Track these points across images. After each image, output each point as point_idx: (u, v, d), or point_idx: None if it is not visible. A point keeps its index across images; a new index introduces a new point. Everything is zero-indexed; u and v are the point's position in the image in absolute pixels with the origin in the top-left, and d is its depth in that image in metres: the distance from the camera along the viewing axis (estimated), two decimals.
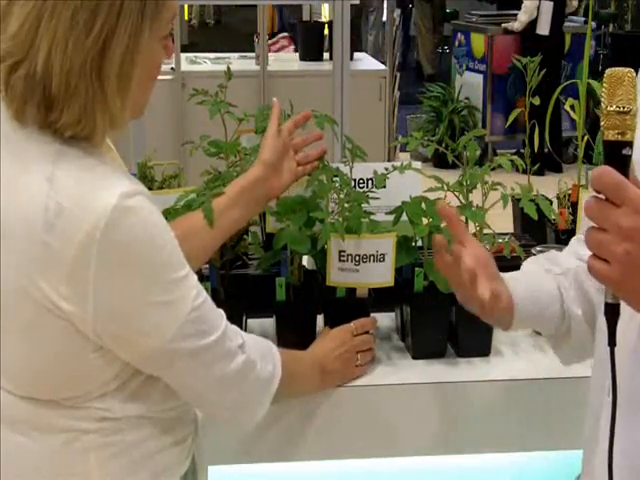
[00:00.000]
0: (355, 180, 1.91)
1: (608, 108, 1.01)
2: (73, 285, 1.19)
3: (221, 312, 1.35)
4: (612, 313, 1.05)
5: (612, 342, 1.06)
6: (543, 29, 7.36)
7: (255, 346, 1.41)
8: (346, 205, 1.76)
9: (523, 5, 7.63)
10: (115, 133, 1.32)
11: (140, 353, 1.27)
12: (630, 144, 1.00)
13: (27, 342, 1.23)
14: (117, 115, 1.23)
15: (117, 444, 1.30)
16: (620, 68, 1.02)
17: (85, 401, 1.27)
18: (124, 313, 1.23)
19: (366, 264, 1.74)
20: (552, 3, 7.32)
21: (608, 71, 1.02)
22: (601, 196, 0.98)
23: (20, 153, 1.23)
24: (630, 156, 1.01)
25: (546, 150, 2.55)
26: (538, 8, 7.42)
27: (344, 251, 1.73)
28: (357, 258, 1.73)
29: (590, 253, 1.00)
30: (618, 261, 0.97)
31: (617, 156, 1.00)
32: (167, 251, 1.25)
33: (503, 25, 7.76)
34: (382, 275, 1.76)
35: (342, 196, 1.76)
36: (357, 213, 1.75)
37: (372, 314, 1.80)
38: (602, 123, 1.01)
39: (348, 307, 1.78)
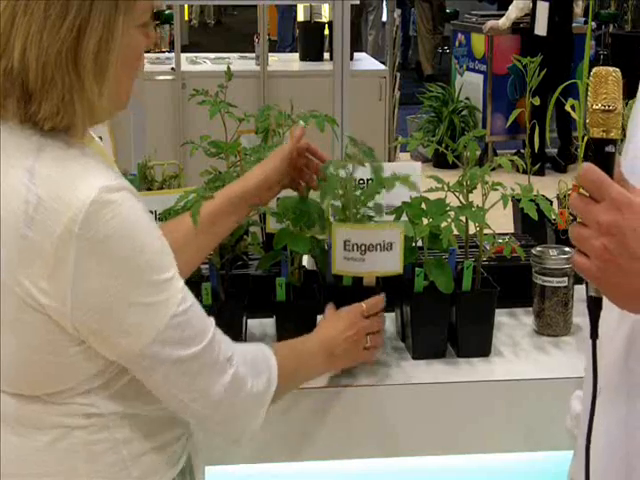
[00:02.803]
0: (355, 180, 1.91)
1: (593, 106, 1.03)
2: (52, 279, 1.18)
3: (210, 320, 1.32)
4: (595, 306, 1.07)
5: (594, 335, 1.08)
6: (541, 29, 7.36)
7: (246, 357, 1.37)
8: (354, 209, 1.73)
9: (513, 3, 7.67)
10: (96, 124, 1.31)
11: (120, 354, 1.25)
12: (614, 142, 1.03)
13: (12, 336, 1.23)
14: (96, 104, 1.23)
15: (105, 441, 1.29)
16: (605, 67, 1.04)
17: (70, 397, 1.26)
18: (103, 310, 1.21)
19: (372, 253, 1.70)
20: (547, 3, 7.32)
21: (594, 70, 1.04)
22: (585, 192, 1.01)
23: (3, 149, 1.23)
24: (614, 153, 1.03)
25: (547, 150, 2.55)
26: (534, 8, 7.43)
27: (349, 240, 1.69)
28: (363, 247, 1.69)
29: None
30: (596, 256, 1.00)
31: (601, 153, 1.02)
32: (150, 251, 1.23)
33: (489, 24, 7.76)
34: (390, 263, 1.71)
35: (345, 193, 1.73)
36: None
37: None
38: (587, 121, 1.04)
39: (355, 296, 1.71)
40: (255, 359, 1.40)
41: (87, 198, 1.17)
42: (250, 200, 1.66)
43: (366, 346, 1.66)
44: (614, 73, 1.03)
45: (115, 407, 1.29)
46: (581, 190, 1.01)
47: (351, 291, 1.75)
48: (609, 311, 1.08)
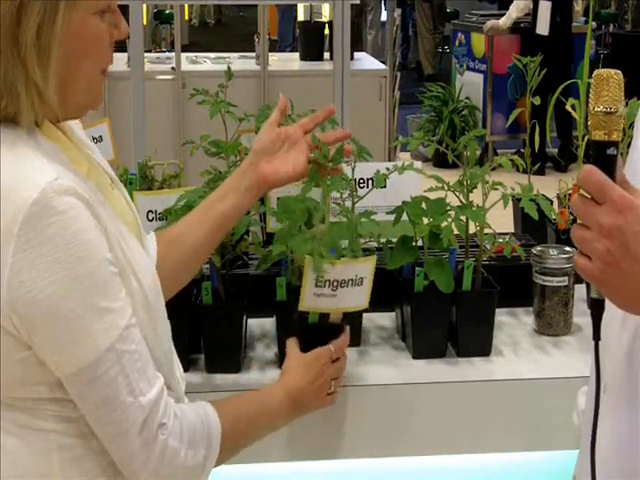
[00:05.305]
0: (356, 180, 1.91)
1: (595, 108, 1.02)
2: None
3: (155, 384, 1.25)
4: (597, 308, 1.07)
5: (597, 336, 1.08)
6: (542, 29, 7.36)
7: (182, 427, 1.28)
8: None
9: (514, 2, 7.68)
10: (65, 119, 1.28)
11: (55, 370, 1.20)
12: (616, 144, 1.02)
13: None
14: (42, 90, 1.20)
15: (80, 447, 1.25)
16: (607, 69, 1.03)
17: (41, 403, 1.23)
18: (36, 318, 1.17)
19: (344, 289, 1.62)
20: (550, 3, 7.32)
21: (596, 72, 1.04)
22: (587, 195, 1.01)
23: None
24: (616, 156, 1.02)
25: (547, 150, 2.56)
26: (536, 8, 7.43)
27: (322, 277, 1.60)
28: (335, 284, 1.61)
29: None
30: (598, 258, 1.00)
31: (602, 156, 1.02)
32: (89, 267, 1.17)
33: (489, 24, 7.75)
34: (358, 299, 1.65)
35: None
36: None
37: (369, 314, 1.78)
38: (589, 123, 1.03)
39: (322, 333, 1.61)
40: (192, 428, 1.30)
41: (29, 198, 1.13)
42: (243, 177, 1.53)
43: (329, 392, 1.57)
44: (615, 75, 1.02)
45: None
46: (583, 192, 1.01)
47: (317, 328, 1.65)
48: (614, 311, 1.08)
